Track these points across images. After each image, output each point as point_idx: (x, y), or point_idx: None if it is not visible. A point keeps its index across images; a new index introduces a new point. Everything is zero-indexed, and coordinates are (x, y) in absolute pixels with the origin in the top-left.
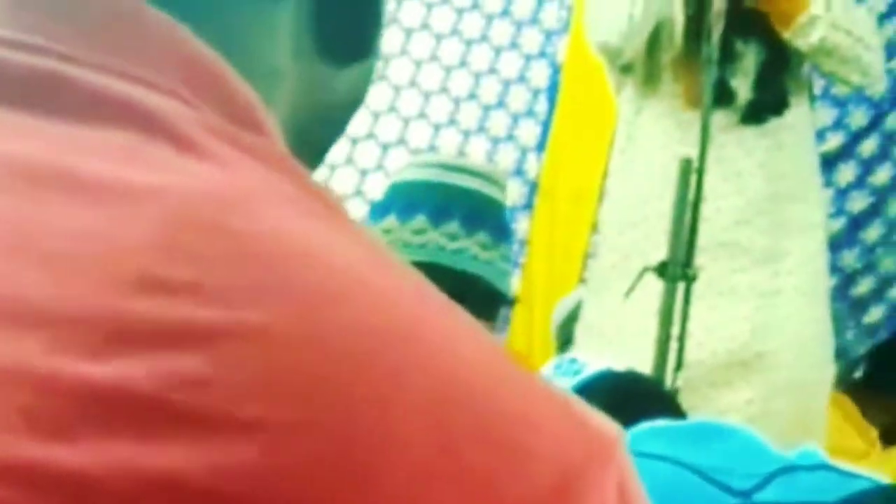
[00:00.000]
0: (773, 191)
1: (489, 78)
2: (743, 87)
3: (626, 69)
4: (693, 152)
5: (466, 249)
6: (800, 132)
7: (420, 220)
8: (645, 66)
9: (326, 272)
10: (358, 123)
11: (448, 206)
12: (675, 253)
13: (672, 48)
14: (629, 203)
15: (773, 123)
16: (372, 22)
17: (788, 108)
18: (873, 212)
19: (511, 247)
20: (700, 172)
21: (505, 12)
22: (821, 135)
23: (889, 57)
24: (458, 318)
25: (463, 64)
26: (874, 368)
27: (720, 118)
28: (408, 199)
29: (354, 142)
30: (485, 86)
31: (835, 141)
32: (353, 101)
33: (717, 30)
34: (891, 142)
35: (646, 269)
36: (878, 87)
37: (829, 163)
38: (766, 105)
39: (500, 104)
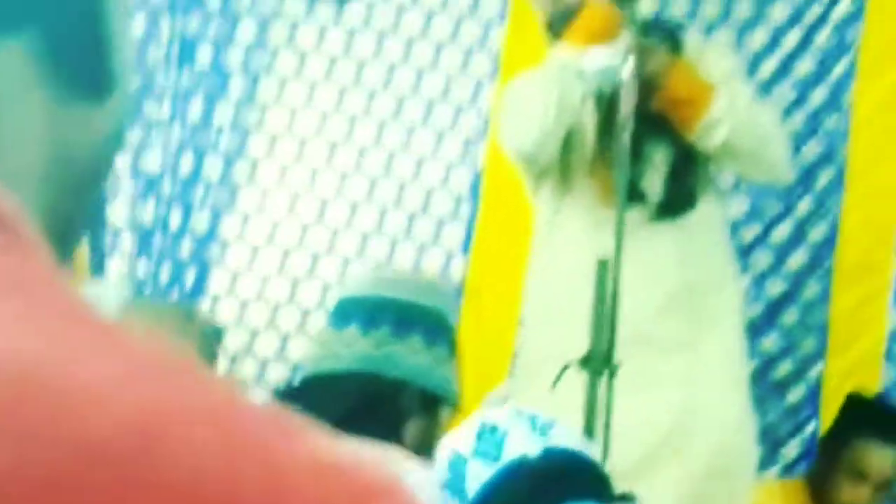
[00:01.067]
0: (688, 283)
1: (413, 185)
2: (654, 185)
3: (541, 174)
4: (610, 248)
5: (395, 354)
6: (711, 225)
7: (351, 331)
8: (560, 168)
9: None
10: (289, 234)
11: (377, 315)
12: (597, 346)
13: (584, 151)
14: (551, 300)
15: (685, 219)
16: (108, 51)
17: (696, 204)
18: (789, 297)
19: (453, 350)
20: (616, 269)
21: (425, 122)
22: (737, 224)
23: (797, 146)
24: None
25: (387, 173)
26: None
27: (634, 215)
28: (342, 312)
29: (287, 253)
30: (409, 194)
31: (751, 229)
32: (115, 136)
33: (625, 133)
34: (803, 227)
35: (568, 364)
36: (786, 179)
37: (745, 250)
38: (677, 202)
39: (425, 210)
